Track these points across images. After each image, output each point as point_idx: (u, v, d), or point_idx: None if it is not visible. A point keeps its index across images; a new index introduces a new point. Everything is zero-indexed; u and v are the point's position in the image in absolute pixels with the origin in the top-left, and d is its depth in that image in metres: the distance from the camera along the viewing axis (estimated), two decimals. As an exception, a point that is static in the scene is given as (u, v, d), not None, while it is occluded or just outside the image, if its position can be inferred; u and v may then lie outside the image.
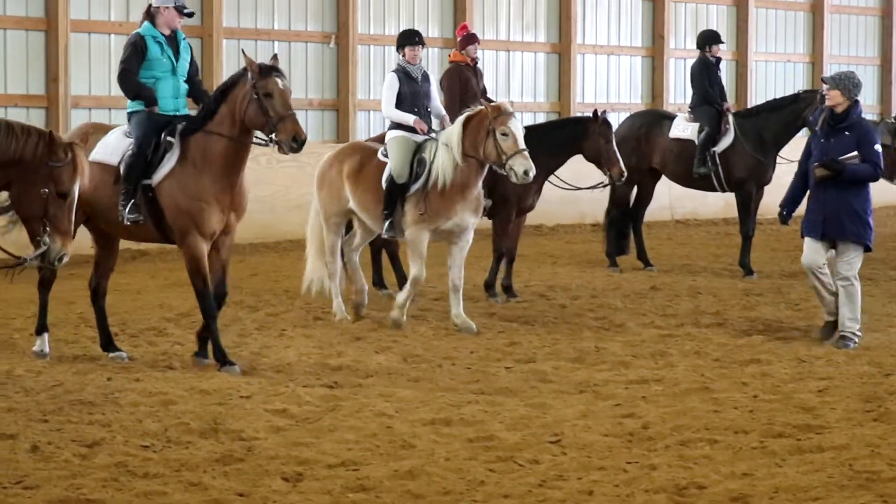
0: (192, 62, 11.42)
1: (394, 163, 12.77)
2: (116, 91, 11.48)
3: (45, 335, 11.31)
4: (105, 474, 7.72)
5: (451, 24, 21.60)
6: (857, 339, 11.89)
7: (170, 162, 10.88)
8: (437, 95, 13.62)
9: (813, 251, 11.93)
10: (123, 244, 12.01)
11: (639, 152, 16.93)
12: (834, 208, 11.76)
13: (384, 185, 12.77)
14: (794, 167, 12.47)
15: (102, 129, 11.41)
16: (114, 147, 11.07)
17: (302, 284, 13.56)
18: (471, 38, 15.04)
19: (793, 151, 15.14)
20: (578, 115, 19.44)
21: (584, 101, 23.64)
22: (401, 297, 12.83)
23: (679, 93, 24.72)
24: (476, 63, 15.09)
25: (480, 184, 12.76)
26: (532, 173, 12.35)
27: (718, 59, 17.22)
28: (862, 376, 10.65)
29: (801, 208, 12.26)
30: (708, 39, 17.26)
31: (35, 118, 17.65)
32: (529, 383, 10.40)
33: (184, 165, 10.84)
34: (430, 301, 14.25)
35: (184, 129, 10.96)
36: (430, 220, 12.57)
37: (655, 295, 14.93)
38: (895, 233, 21.15)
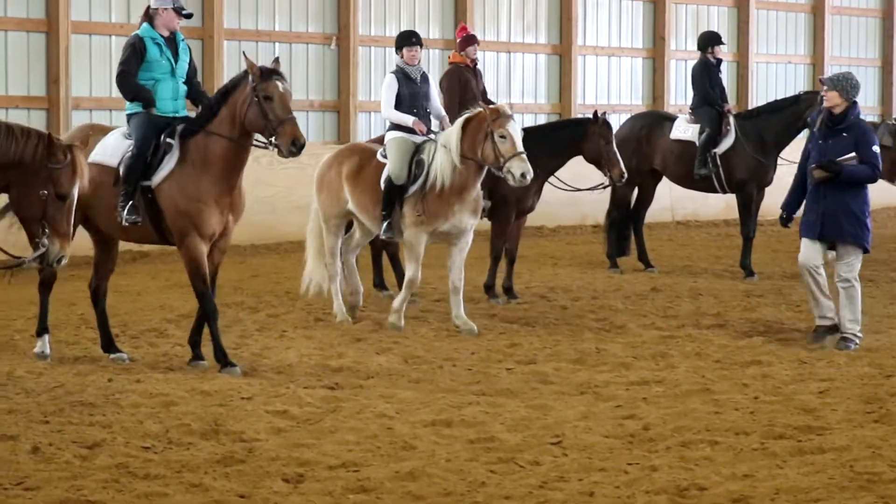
0: (191, 63, 11.41)
1: (392, 164, 12.77)
2: (117, 93, 11.48)
3: (46, 336, 11.31)
4: (106, 475, 7.72)
5: (452, 25, 21.59)
6: (857, 341, 11.89)
7: (169, 163, 10.88)
8: (437, 96, 13.62)
9: (810, 250, 11.91)
10: (124, 245, 12.02)
11: (640, 154, 16.94)
12: (832, 209, 11.75)
13: (383, 186, 12.78)
14: (795, 169, 12.47)
15: (102, 131, 11.41)
16: (113, 148, 11.07)
17: (301, 285, 13.58)
18: (470, 40, 15.03)
19: (794, 153, 15.13)
20: (579, 116, 19.43)
21: (584, 102, 23.64)
22: (397, 301, 12.84)
23: (680, 94, 24.71)
24: (476, 64, 15.08)
25: (479, 186, 12.77)
26: (529, 176, 12.36)
27: (719, 61, 17.22)
28: (863, 378, 10.64)
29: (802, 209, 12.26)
30: (709, 41, 17.25)
31: (36, 120, 17.66)
32: (530, 384, 10.40)
33: (183, 167, 10.85)
34: (431, 302, 14.26)
35: (183, 130, 10.97)
36: (427, 222, 12.57)
37: (656, 296, 14.93)
38: (896, 234, 21.18)
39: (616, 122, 18.19)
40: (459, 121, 12.67)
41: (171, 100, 11.17)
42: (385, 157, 12.93)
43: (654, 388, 10.25)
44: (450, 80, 14.87)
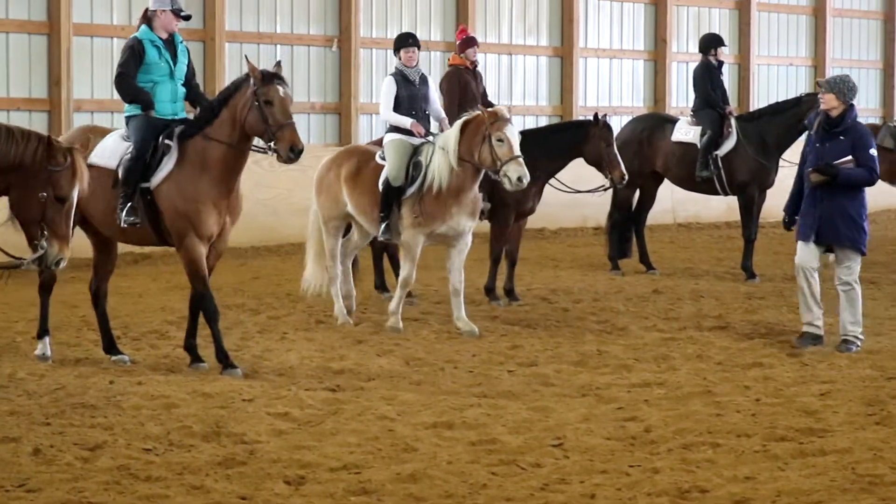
0: (190, 65, 11.41)
1: (390, 166, 12.78)
2: (118, 95, 11.50)
3: (47, 338, 11.31)
4: (107, 477, 7.72)
5: (453, 27, 21.57)
6: (859, 343, 11.88)
7: (168, 165, 10.89)
8: (437, 98, 13.63)
9: (806, 252, 11.88)
10: (125, 247, 12.01)
11: (641, 156, 16.94)
12: (829, 213, 11.72)
13: (381, 188, 12.78)
14: (796, 171, 12.46)
15: (101, 133, 11.42)
16: (112, 150, 11.07)
17: (300, 287, 13.59)
18: (470, 42, 15.03)
19: (795, 155, 15.10)
20: (580, 118, 19.43)
21: (586, 104, 23.64)
22: (393, 303, 12.84)
23: (681, 96, 24.72)
24: (476, 66, 15.08)
25: (476, 188, 12.76)
26: (526, 180, 12.36)
27: (721, 63, 17.22)
28: (864, 380, 10.64)
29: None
30: (710, 43, 17.25)
31: (37, 122, 17.67)
32: (531, 387, 10.40)
33: (182, 168, 10.85)
34: (432, 304, 14.25)
35: (182, 132, 10.97)
36: (425, 224, 12.58)
37: (658, 298, 14.92)
38: (897, 236, 21.16)
39: (617, 124, 18.19)
40: (458, 123, 12.68)
41: (170, 102, 11.17)
42: (383, 158, 12.94)
43: (655, 391, 10.24)
44: (449, 83, 14.88)
